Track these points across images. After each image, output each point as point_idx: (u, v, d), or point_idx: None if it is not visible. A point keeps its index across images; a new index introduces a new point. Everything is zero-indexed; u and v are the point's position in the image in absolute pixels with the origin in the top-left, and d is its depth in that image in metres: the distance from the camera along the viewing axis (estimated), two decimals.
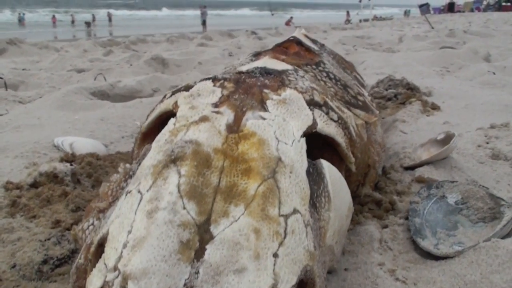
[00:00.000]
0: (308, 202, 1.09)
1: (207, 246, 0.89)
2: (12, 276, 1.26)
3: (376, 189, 1.79)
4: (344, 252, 1.37)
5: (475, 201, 1.51)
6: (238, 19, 45.47)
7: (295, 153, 1.15)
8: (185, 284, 0.84)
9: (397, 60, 5.50)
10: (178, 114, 1.25)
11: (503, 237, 1.35)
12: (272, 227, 0.95)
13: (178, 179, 1.00)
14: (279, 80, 1.43)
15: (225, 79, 1.39)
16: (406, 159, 1.99)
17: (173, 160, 1.05)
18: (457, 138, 1.90)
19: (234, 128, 1.19)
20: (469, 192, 1.54)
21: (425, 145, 2.05)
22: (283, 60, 1.94)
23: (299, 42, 2.22)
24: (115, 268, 0.87)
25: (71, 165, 1.86)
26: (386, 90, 3.51)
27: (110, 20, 37.57)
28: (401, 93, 3.40)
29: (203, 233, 0.92)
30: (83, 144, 2.34)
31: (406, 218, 1.51)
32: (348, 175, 1.49)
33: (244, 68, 1.54)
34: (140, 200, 0.98)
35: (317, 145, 1.38)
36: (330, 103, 1.44)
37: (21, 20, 33.54)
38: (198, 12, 29.47)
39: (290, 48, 2.19)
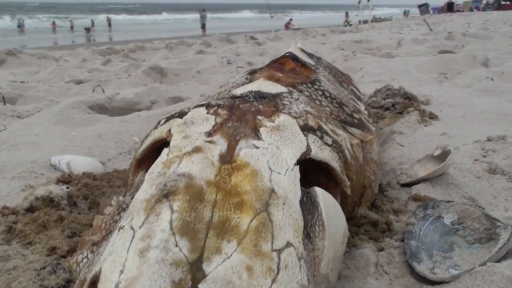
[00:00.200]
0: (302, 233, 1.08)
1: (200, 285, 0.89)
2: None
3: (372, 207, 1.79)
4: (340, 277, 1.37)
5: (471, 221, 1.51)
6: (238, 22, 45.58)
7: (289, 183, 1.15)
8: None
9: (396, 66, 5.51)
10: (171, 143, 1.25)
11: (499, 260, 1.35)
12: (265, 263, 0.95)
13: (170, 215, 0.99)
14: (273, 104, 1.43)
15: (218, 106, 1.39)
16: (403, 175, 1.99)
17: (166, 194, 1.05)
18: (453, 155, 1.90)
19: (227, 158, 1.19)
20: (465, 212, 1.53)
21: (422, 161, 2.05)
22: (278, 79, 1.94)
23: (295, 58, 2.23)
24: None
25: (67, 187, 1.86)
26: (384, 99, 3.51)
27: (109, 25, 37.66)
28: (399, 103, 3.40)
29: (195, 272, 0.91)
30: (80, 163, 2.34)
31: (402, 240, 1.51)
32: (343, 197, 1.49)
33: (238, 92, 1.54)
34: (133, 237, 0.98)
35: (313, 166, 1.38)
36: (324, 126, 1.44)
37: (20, 26, 33.61)
38: (197, 16, 29.54)
39: (286, 65, 2.19)
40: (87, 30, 29.66)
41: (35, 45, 17.80)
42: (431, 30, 12.34)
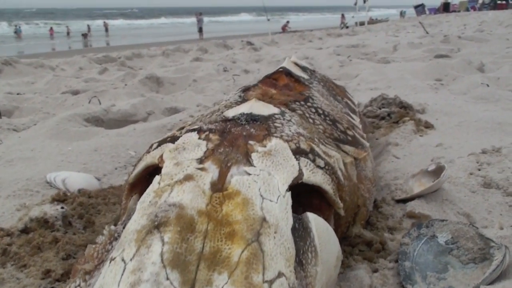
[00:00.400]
0: (294, 262, 1.08)
1: None
2: None
3: (367, 224, 1.79)
4: None
5: (465, 241, 1.51)
6: (235, 25, 45.65)
7: (280, 211, 1.15)
8: None
9: (391, 72, 5.52)
10: (163, 171, 1.25)
11: (493, 281, 1.35)
12: None
13: (161, 247, 0.99)
14: (265, 128, 1.43)
15: (210, 131, 1.39)
16: (397, 191, 1.99)
17: (157, 226, 1.05)
18: (447, 171, 1.90)
19: (219, 186, 1.19)
20: (459, 232, 1.54)
21: (417, 176, 2.06)
22: (271, 96, 1.95)
23: (288, 73, 2.23)
24: None
25: (62, 208, 1.86)
26: (380, 108, 3.51)
27: (106, 30, 37.68)
28: (394, 112, 3.40)
29: None
30: (76, 180, 2.34)
31: (397, 261, 1.51)
32: (337, 218, 1.49)
33: (230, 114, 1.54)
34: (124, 270, 0.98)
35: (306, 189, 1.38)
36: (317, 148, 1.44)
37: (17, 33, 33.58)
38: (195, 20, 29.58)
39: (279, 80, 2.20)
40: (84, 35, 29.67)
41: (32, 51, 17.84)
42: (427, 33, 12.36)
